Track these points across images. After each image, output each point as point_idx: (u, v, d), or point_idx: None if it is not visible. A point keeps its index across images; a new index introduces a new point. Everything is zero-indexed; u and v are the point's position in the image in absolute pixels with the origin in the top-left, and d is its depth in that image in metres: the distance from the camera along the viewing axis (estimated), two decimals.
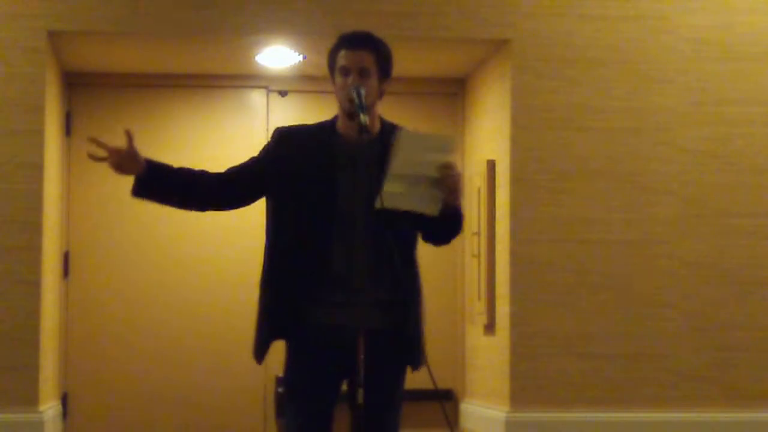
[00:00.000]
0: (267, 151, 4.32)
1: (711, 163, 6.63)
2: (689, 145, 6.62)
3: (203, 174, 4.31)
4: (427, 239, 4.31)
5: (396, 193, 4.04)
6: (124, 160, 4.19)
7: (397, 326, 4.19)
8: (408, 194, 4.04)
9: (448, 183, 4.07)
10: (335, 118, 4.31)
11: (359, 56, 4.19)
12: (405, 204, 4.05)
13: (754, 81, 6.66)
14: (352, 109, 4.16)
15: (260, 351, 4.26)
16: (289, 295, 4.17)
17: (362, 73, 4.18)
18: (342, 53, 4.21)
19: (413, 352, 4.24)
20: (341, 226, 4.15)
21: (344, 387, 4.26)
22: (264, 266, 4.28)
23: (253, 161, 4.32)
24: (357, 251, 4.14)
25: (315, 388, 4.18)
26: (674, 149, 6.62)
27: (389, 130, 4.21)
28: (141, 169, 4.20)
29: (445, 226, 4.22)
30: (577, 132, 6.58)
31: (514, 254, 6.53)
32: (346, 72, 4.19)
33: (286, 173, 4.22)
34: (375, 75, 4.20)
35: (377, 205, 4.01)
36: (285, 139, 4.29)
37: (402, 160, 4.05)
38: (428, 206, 4.09)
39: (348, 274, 4.14)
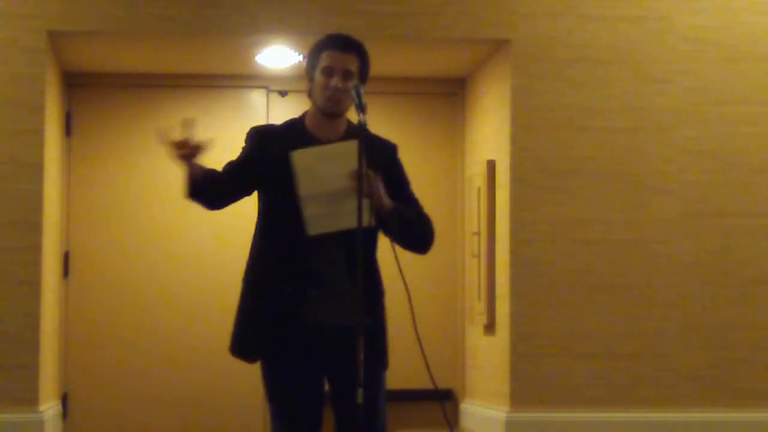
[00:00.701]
0: (249, 151, 4.27)
1: (711, 163, 6.63)
2: (689, 145, 6.62)
3: (221, 173, 4.27)
4: (403, 247, 4.27)
5: (320, 214, 3.99)
6: (195, 150, 4.10)
7: (374, 324, 4.17)
8: (333, 213, 3.97)
9: (365, 192, 3.97)
10: (303, 116, 4.29)
11: (345, 58, 4.17)
12: (332, 224, 3.97)
13: (754, 81, 6.66)
14: (332, 110, 4.14)
15: (251, 353, 4.24)
16: (266, 299, 4.16)
17: (346, 75, 4.16)
18: (327, 53, 4.18)
19: (379, 351, 4.23)
20: None
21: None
22: (247, 263, 4.27)
23: (240, 161, 4.28)
24: (333, 251, 4.11)
25: (304, 391, 4.16)
26: (674, 149, 6.62)
27: (355, 133, 4.17)
28: (198, 169, 4.14)
29: (394, 232, 4.18)
30: (577, 132, 6.58)
31: (514, 254, 6.53)
32: (330, 72, 4.16)
33: (264, 174, 4.20)
34: (356, 79, 4.18)
35: (308, 232, 3.99)
36: (260, 139, 4.27)
37: (305, 181, 3.99)
38: (357, 219, 3.97)
39: (324, 275, 4.12)
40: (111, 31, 6.50)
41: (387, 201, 4.07)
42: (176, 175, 7.44)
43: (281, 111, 7.45)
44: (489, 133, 7.02)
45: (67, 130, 7.38)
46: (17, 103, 6.43)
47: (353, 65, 4.17)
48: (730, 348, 6.57)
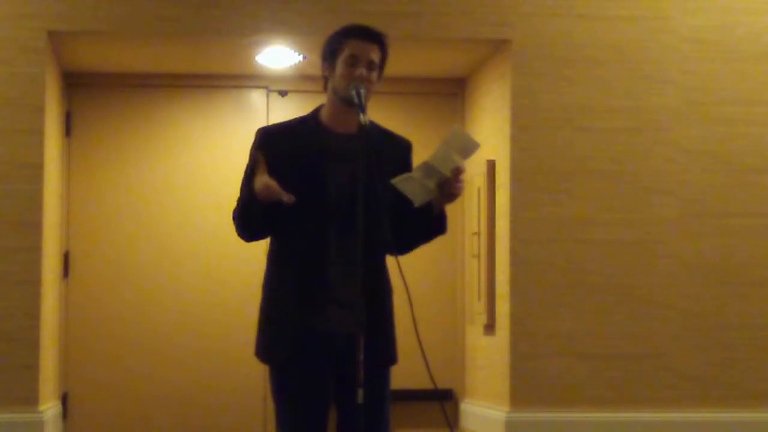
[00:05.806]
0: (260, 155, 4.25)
1: (711, 163, 6.63)
2: (689, 145, 6.63)
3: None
4: (404, 243, 4.27)
5: (413, 178, 4.03)
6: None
7: (383, 324, 4.17)
8: (415, 180, 4.02)
9: (453, 188, 4.04)
10: (316, 111, 4.25)
11: (370, 48, 4.14)
12: (406, 188, 4.02)
13: (754, 81, 6.66)
14: (353, 98, 4.11)
15: (272, 357, 4.22)
16: (288, 300, 4.14)
17: (370, 66, 4.14)
18: (351, 43, 4.14)
19: (393, 349, 4.22)
20: (334, 222, 4.12)
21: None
22: (267, 265, 4.25)
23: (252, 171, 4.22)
24: (351, 249, 4.09)
25: (313, 393, 4.14)
26: (674, 149, 6.62)
27: (373, 128, 4.17)
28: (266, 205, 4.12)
29: (422, 223, 4.18)
30: (577, 132, 6.58)
31: (514, 254, 6.54)
32: (354, 62, 4.13)
33: (280, 173, 4.16)
34: (378, 71, 4.18)
35: (393, 180, 4.02)
36: (271, 139, 4.24)
37: (441, 153, 4.04)
38: (418, 196, 4.05)
39: (340, 274, 4.11)
40: (111, 31, 6.50)
41: (444, 205, 4.13)
42: (176, 176, 7.47)
43: (281, 111, 7.45)
44: (489, 134, 7.02)
45: (67, 130, 7.38)
46: (17, 103, 6.42)
47: (376, 56, 4.15)
48: (730, 348, 6.57)
